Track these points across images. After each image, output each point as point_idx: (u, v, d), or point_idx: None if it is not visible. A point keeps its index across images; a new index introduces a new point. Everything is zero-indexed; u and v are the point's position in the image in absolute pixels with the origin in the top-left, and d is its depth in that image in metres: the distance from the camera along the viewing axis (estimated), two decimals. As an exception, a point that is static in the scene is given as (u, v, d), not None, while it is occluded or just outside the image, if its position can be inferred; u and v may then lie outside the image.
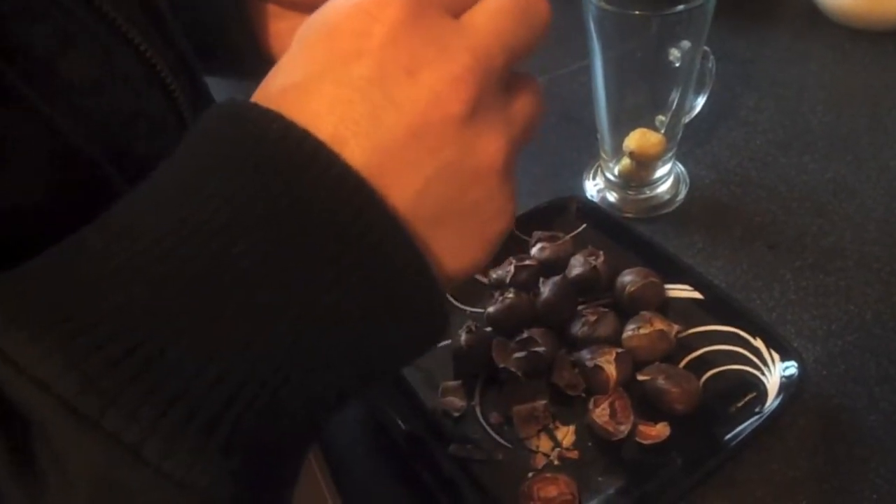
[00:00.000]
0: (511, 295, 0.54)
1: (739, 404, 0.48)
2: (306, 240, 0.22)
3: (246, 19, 0.46)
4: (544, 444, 0.48)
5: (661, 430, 0.47)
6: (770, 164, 0.67)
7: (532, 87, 0.28)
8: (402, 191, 0.24)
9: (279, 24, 0.47)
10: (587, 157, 0.69)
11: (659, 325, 0.51)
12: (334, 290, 0.23)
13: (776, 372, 0.48)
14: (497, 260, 0.58)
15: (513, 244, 0.59)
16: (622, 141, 0.62)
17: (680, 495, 0.44)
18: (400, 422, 0.49)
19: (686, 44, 0.56)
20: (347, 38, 0.24)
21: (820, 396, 0.50)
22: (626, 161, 0.63)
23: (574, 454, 0.47)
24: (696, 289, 0.54)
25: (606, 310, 0.53)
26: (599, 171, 0.67)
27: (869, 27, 0.79)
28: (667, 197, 0.65)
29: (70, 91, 0.30)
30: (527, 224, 0.60)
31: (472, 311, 0.56)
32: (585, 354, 0.50)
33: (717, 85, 0.66)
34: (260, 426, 0.22)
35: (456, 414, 0.50)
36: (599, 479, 0.46)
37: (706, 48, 0.60)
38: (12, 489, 0.20)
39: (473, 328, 0.53)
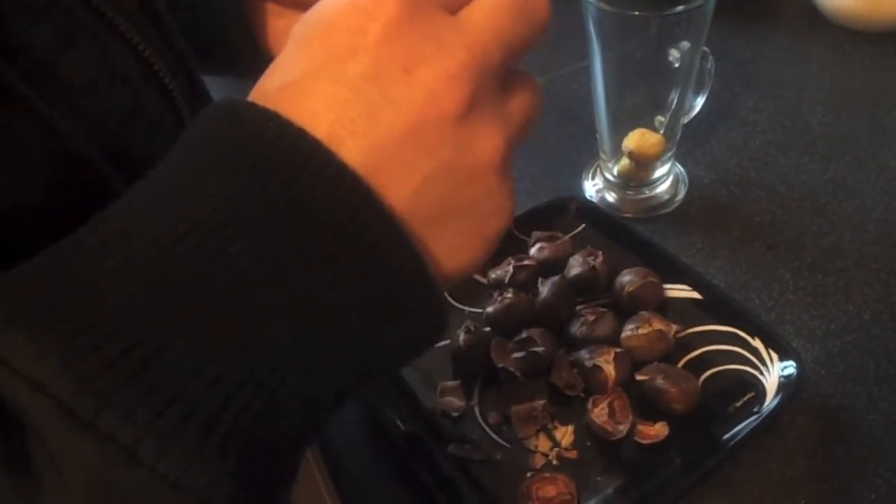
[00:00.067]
0: (510, 295, 0.54)
1: (738, 404, 0.48)
2: (304, 240, 0.22)
3: (244, 18, 0.46)
4: (543, 443, 0.48)
5: (659, 430, 0.47)
6: (769, 164, 0.67)
7: (530, 84, 0.28)
8: (398, 190, 0.24)
9: (278, 21, 0.47)
10: (586, 157, 0.70)
11: (657, 324, 0.51)
12: (332, 289, 0.23)
13: (775, 372, 0.48)
14: (496, 260, 0.58)
15: (512, 244, 0.59)
16: (621, 141, 0.62)
17: (679, 495, 0.44)
18: (399, 422, 0.49)
19: (685, 44, 0.56)
20: (343, 36, 0.24)
21: (818, 396, 0.50)
22: (625, 161, 0.63)
23: (573, 454, 0.47)
24: (695, 289, 0.54)
25: (605, 310, 0.53)
26: (598, 171, 0.67)
27: (868, 28, 0.79)
28: (666, 197, 0.65)
29: (70, 91, 0.30)
30: (526, 224, 0.60)
31: (470, 311, 0.56)
32: (584, 354, 0.50)
33: (717, 85, 0.66)
34: (257, 426, 0.22)
35: (455, 414, 0.50)
36: (598, 478, 0.46)
37: (705, 48, 0.60)
38: (8, 490, 0.20)
39: (472, 328, 0.53)
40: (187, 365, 0.21)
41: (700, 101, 0.64)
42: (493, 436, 0.49)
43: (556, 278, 0.55)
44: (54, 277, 0.22)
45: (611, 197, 0.66)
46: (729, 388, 0.49)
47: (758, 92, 0.75)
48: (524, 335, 0.52)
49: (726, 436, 0.46)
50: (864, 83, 0.75)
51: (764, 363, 0.49)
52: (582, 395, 0.50)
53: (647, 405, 0.48)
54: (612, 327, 0.52)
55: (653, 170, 0.64)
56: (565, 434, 0.48)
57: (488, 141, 0.25)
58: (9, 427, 0.20)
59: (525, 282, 0.56)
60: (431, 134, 0.24)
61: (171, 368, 0.21)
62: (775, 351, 0.49)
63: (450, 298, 0.57)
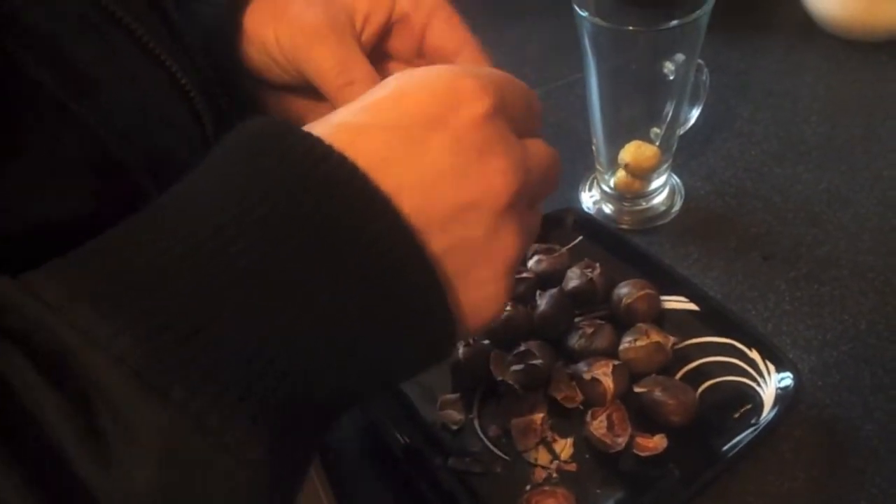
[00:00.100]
0: (508, 308, 0.54)
1: (735, 415, 0.48)
2: (355, 266, 0.25)
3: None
4: (542, 456, 0.48)
5: (658, 442, 0.47)
6: (765, 174, 0.68)
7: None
8: (434, 246, 0.27)
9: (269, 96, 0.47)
10: (583, 169, 0.70)
11: (655, 336, 0.51)
12: (345, 292, 0.25)
13: (772, 383, 0.49)
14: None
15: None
16: (617, 153, 0.62)
17: (677, 507, 0.45)
18: (399, 435, 0.50)
19: (680, 57, 0.57)
20: (438, 107, 0.28)
21: (815, 407, 0.50)
22: (621, 173, 0.63)
23: (572, 467, 0.48)
24: (692, 300, 0.55)
25: (603, 322, 0.53)
26: (595, 183, 0.68)
27: (863, 38, 0.79)
28: (662, 208, 0.65)
29: (111, 104, 0.31)
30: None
31: (469, 324, 0.57)
32: (582, 367, 0.50)
33: (712, 97, 0.66)
34: (294, 417, 0.25)
35: (454, 427, 0.50)
36: (598, 491, 0.46)
37: (700, 61, 0.60)
38: (83, 458, 0.21)
39: (471, 341, 0.53)
40: (241, 349, 0.23)
41: (695, 113, 0.65)
42: (493, 449, 0.49)
43: (554, 291, 0.55)
44: (125, 260, 0.24)
45: (608, 208, 0.66)
46: (726, 399, 0.49)
47: (753, 103, 0.75)
48: (523, 348, 0.52)
49: (724, 447, 0.46)
50: (859, 93, 0.76)
51: (761, 374, 0.49)
52: (581, 407, 0.50)
53: (645, 417, 0.48)
54: (611, 339, 0.52)
55: (649, 181, 0.64)
56: (564, 447, 0.49)
57: (511, 245, 0.29)
58: (82, 399, 0.22)
59: (523, 294, 0.56)
60: (477, 213, 0.27)
61: (230, 351, 0.23)
62: (772, 362, 0.49)
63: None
